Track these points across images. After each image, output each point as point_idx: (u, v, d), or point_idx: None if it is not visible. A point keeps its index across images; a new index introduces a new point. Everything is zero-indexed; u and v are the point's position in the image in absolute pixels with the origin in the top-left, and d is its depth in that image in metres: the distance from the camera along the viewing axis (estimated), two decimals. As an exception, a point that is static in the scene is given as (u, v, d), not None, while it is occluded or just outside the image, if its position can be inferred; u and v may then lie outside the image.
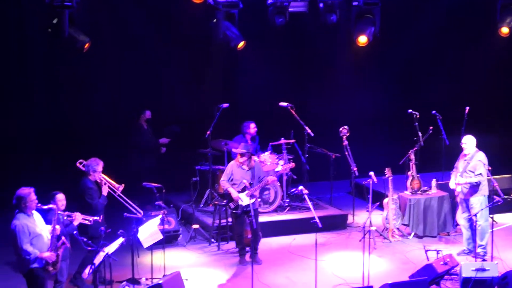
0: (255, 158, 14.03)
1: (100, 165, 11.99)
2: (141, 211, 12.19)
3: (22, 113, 16.11)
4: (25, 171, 15.35)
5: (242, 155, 13.16)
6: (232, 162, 13.40)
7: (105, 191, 11.95)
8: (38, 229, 10.23)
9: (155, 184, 13.04)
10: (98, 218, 11.28)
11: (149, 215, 13.05)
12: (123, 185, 12.18)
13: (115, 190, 12.08)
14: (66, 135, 16.32)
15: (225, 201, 13.28)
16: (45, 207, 10.38)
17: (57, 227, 10.37)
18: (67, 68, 16.04)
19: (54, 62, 16.00)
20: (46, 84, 16.25)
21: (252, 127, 15.54)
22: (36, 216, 10.33)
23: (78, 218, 10.87)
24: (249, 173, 13.13)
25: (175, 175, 16.09)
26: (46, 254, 10.20)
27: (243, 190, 12.98)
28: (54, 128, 16.28)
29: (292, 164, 14.95)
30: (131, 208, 12.09)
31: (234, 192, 13.01)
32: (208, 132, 14.58)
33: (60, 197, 10.95)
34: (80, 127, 16.45)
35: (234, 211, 13.14)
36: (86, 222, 11.06)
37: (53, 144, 16.20)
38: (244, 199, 12.93)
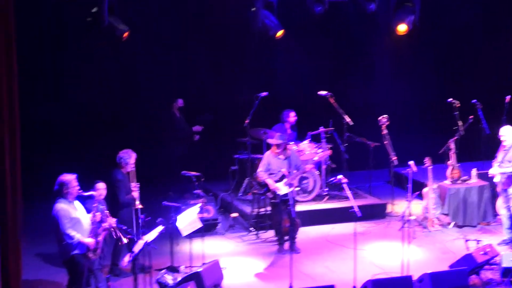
0: (293, 146, 14.03)
1: (132, 157, 11.96)
2: (141, 237, 11.41)
3: (55, 103, 16.07)
4: (58, 163, 15.16)
5: (277, 146, 13.16)
6: (268, 153, 13.39)
7: (135, 195, 11.89)
8: (78, 215, 10.35)
9: (194, 173, 13.05)
10: (134, 237, 11.16)
11: (188, 203, 13.11)
12: (142, 206, 11.94)
13: (135, 204, 11.98)
14: (100, 125, 16.36)
15: (263, 189, 13.27)
16: (86, 193, 10.47)
17: (97, 214, 10.46)
18: (99, 58, 16.03)
19: (88, 52, 15.93)
20: (79, 75, 16.20)
21: (292, 116, 15.49)
22: (77, 204, 10.43)
23: (111, 223, 10.79)
24: (286, 162, 13.12)
25: (214, 164, 16.12)
26: (88, 240, 10.31)
27: (281, 179, 12.98)
28: (88, 117, 16.30)
29: (329, 152, 14.89)
30: (135, 227, 11.81)
31: (271, 183, 13.00)
32: (246, 121, 14.56)
33: (100, 186, 11.07)
34: (113, 116, 16.50)
35: (272, 200, 13.14)
36: (120, 234, 10.90)
37: (87, 134, 16.24)
38: (282, 188, 12.91)
